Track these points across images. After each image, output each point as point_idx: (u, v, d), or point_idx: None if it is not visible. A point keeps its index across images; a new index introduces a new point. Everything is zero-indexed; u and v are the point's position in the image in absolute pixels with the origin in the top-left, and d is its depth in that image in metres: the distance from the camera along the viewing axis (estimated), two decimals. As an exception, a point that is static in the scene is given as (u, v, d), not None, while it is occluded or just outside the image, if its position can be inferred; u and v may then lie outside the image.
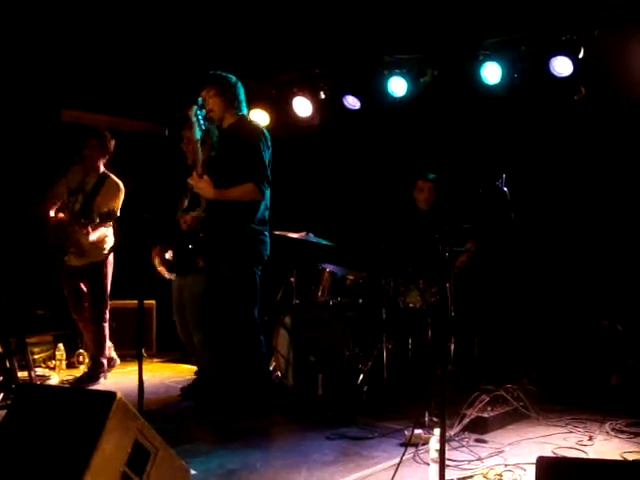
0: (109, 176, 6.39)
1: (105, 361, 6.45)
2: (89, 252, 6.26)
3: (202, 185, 4.91)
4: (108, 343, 6.62)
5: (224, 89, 5.08)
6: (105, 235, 6.33)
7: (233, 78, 5.15)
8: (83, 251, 6.22)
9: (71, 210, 6.26)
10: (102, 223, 6.03)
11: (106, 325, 6.42)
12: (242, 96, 5.17)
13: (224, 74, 5.16)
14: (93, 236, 6.13)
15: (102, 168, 6.41)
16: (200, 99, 5.05)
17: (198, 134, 4.98)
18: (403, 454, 3.85)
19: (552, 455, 4.19)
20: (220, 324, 5.10)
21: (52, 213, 6.32)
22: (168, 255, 5.87)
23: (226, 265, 4.98)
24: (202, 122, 4.95)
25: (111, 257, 6.37)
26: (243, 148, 4.97)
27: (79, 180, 6.35)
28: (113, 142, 6.42)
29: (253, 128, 5.13)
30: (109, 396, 3.08)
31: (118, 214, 6.29)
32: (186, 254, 5.49)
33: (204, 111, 4.98)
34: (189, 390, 5.97)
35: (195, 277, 5.50)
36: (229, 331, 5.04)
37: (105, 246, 6.32)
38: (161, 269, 5.94)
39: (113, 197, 6.26)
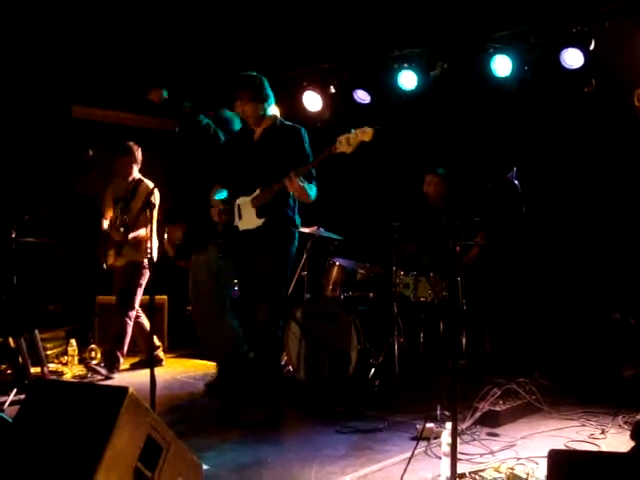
0: (142, 181, 6.62)
1: (121, 358, 6.52)
2: (127, 252, 6.47)
3: (301, 187, 4.95)
4: (158, 343, 6.96)
5: (256, 91, 5.10)
6: (145, 237, 6.40)
7: (258, 75, 5.16)
8: (121, 251, 6.46)
9: (114, 218, 6.60)
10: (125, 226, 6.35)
11: (129, 322, 6.50)
12: (270, 90, 5.20)
13: (248, 74, 5.15)
14: (129, 235, 6.37)
15: (137, 175, 6.67)
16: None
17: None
18: (415, 448, 3.85)
19: (564, 448, 4.19)
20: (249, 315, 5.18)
21: (105, 225, 6.64)
22: (177, 239, 5.99)
23: (268, 260, 5.06)
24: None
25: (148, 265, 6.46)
26: (294, 153, 5.05)
27: (121, 189, 6.66)
28: (140, 151, 6.68)
29: (296, 131, 5.16)
30: (121, 391, 3.08)
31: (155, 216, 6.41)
32: (202, 232, 5.57)
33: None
34: (214, 386, 5.99)
35: (209, 253, 5.59)
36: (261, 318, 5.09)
37: (147, 250, 6.34)
38: (167, 248, 6.06)
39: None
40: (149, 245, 6.32)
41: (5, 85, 7.12)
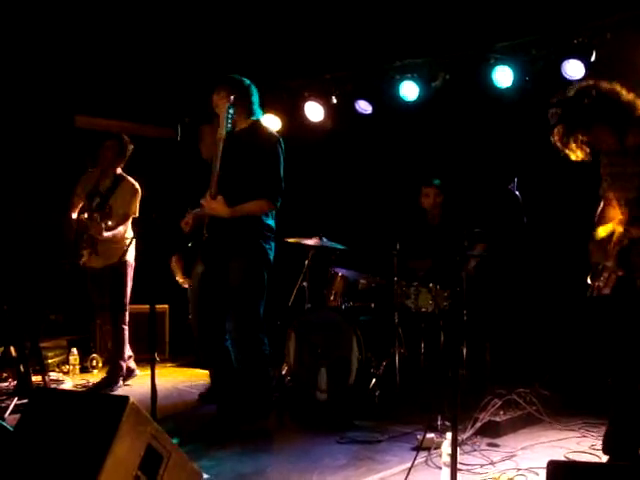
0: (125, 177, 6.38)
1: (124, 365, 6.41)
2: (107, 254, 6.23)
3: (215, 206, 4.81)
4: (129, 352, 6.56)
5: (238, 90, 4.95)
6: (122, 236, 6.28)
7: (247, 81, 5.02)
8: (97, 250, 6.20)
9: (89, 212, 6.24)
10: (104, 220, 6.01)
11: (125, 328, 6.38)
12: (256, 99, 5.04)
13: (237, 76, 5.04)
14: (107, 233, 6.07)
15: (118, 170, 6.40)
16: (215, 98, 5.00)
17: (224, 132, 4.82)
18: (415, 458, 3.85)
19: (564, 459, 4.18)
20: (221, 325, 5.05)
21: (75, 216, 6.31)
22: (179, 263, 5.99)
23: (237, 270, 4.90)
24: (230, 121, 4.86)
25: (132, 260, 6.35)
26: (258, 157, 4.87)
27: (94, 183, 6.35)
28: (131, 147, 6.42)
29: (269, 135, 5.03)
30: (122, 400, 3.10)
31: (136, 215, 6.32)
32: (191, 256, 5.48)
33: (233, 111, 4.82)
34: (208, 395, 5.97)
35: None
36: (236, 333, 4.99)
37: (126, 249, 6.25)
38: (179, 279, 6.05)
39: (128, 198, 6.27)
40: (126, 242, 6.32)
41: (9, 95, 7.14)
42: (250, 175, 4.87)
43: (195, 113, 4.90)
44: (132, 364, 6.62)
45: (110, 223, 6.04)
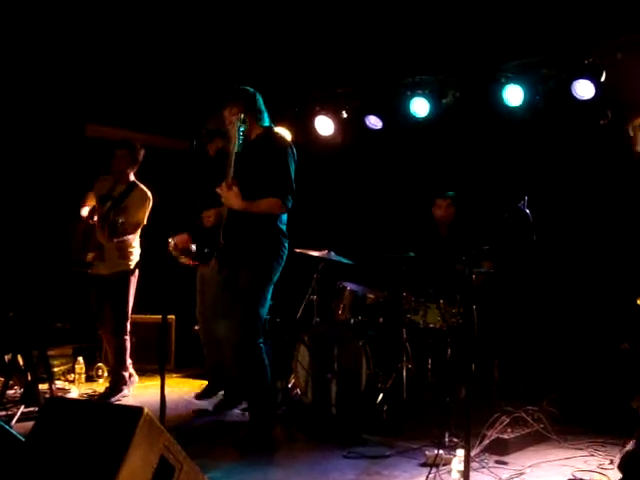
0: (138, 185, 6.37)
1: (127, 374, 6.39)
2: (113, 260, 6.25)
3: (231, 195, 4.87)
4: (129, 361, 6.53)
5: (248, 104, 5.02)
6: (130, 243, 6.29)
7: (250, 89, 5.11)
8: (103, 255, 6.23)
9: (100, 217, 6.24)
10: (117, 218, 6.05)
11: (127, 338, 6.36)
12: (263, 106, 5.13)
13: (243, 87, 5.12)
14: (117, 239, 6.12)
15: (132, 177, 6.40)
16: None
17: (238, 148, 4.91)
18: (428, 474, 3.85)
19: (573, 478, 4.17)
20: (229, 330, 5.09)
21: (84, 212, 6.30)
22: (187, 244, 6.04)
23: (245, 273, 4.93)
24: (242, 137, 4.90)
25: (136, 270, 6.35)
26: (270, 160, 4.93)
27: (108, 188, 6.35)
28: (142, 152, 6.40)
29: (281, 140, 5.13)
30: (136, 411, 3.09)
31: (144, 223, 6.33)
32: (206, 246, 5.53)
33: (245, 126, 4.90)
34: (202, 393, 6.02)
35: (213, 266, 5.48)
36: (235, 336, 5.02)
37: (131, 257, 6.30)
38: (176, 255, 6.08)
39: (140, 206, 6.27)
40: (131, 250, 6.34)
41: (19, 103, 7.18)
42: (263, 177, 4.92)
43: (211, 126, 4.93)
44: (131, 370, 6.58)
45: (121, 220, 6.03)
